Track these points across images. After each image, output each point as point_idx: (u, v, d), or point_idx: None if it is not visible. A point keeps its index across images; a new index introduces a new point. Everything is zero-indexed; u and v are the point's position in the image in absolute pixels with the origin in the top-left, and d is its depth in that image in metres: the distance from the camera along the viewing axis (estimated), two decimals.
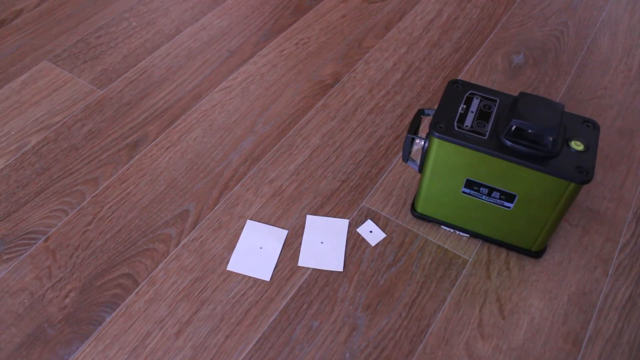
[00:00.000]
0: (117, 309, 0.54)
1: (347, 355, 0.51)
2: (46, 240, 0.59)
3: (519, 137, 0.49)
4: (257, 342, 0.52)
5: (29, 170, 0.65)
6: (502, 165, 0.50)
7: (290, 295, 0.55)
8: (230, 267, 0.57)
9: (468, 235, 0.60)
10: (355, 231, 0.60)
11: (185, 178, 0.65)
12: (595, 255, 0.59)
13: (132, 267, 0.57)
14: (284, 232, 0.60)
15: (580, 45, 0.83)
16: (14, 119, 0.70)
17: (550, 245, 0.60)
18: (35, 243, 0.59)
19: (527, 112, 0.48)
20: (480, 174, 0.52)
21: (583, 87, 0.77)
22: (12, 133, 0.69)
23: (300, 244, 0.59)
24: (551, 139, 0.48)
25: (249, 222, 0.61)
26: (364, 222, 0.61)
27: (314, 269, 0.57)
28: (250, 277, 0.56)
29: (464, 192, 0.55)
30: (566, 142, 0.50)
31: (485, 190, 0.53)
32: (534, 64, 0.80)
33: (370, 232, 0.60)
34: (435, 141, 0.51)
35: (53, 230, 0.60)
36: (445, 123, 0.51)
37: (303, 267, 0.57)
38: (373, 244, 0.59)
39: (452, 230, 0.60)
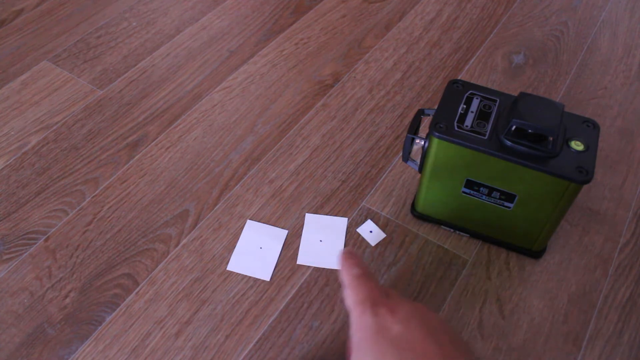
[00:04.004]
0: (117, 309, 0.54)
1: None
2: (46, 240, 0.59)
3: (519, 137, 0.49)
4: (257, 342, 0.52)
5: (29, 170, 0.65)
6: (502, 165, 0.50)
7: (290, 295, 0.55)
8: (230, 267, 0.57)
9: (468, 235, 0.60)
10: (356, 231, 0.60)
11: (185, 178, 0.65)
12: (595, 255, 0.59)
13: (132, 267, 0.57)
14: (284, 232, 0.60)
15: (580, 45, 0.83)
16: (14, 119, 0.71)
17: (550, 245, 0.60)
18: (35, 243, 0.59)
19: (527, 112, 0.48)
20: (480, 174, 0.52)
21: (583, 87, 0.77)
22: (12, 133, 0.69)
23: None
24: (551, 139, 0.48)
25: (249, 222, 0.61)
26: (364, 222, 0.61)
27: (314, 269, 0.57)
28: (250, 277, 0.56)
29: (464, 192, 0.55)
30: (566, 142, 0.50)
31: (485, 190, 0.53)
32: (534, 64, 0.80)
33: (370, 232, 0.60)
34: (435, 141, 0.51)
35: (53, 230, 0.60)
36: (445, 123, 0.51)
37: (303, 267, 0.57)
38: (373, 244, 0.59)
39: (452, 230, 0.60)
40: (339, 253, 0.47)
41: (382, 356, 0.39)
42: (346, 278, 0.45)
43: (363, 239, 0.59)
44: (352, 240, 0.59)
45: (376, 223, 0.61)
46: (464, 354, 0.39)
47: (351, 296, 0.43)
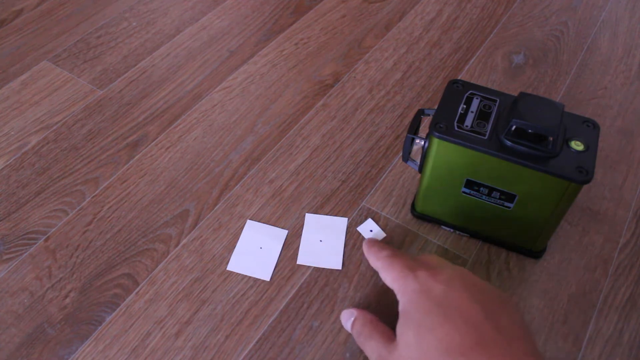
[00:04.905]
0: (117, 309, 0.54)
1: (348, 355, 0.51)
2: (46, 240, 0.59)
3: (519, 137, 0.49)
4: (257, 342, 0.52)
5: (29, 170, 0.65)
6: (502, 165, 0.50)
7: (290, 295, 0.55)
8: (230, 267, 0.57)
9: (468, 235, 0.60)
10: (356, 231, 0.60)
11: (185, 178, 0.65)
12: (595, 255, 0.59)
13: (132, 267, 0.57)
14: (284, 232, 0.60)
15: (580, 45, 0.83)
16: (14, 119, 0.71)
17: (550, 245, 0.60)
18: (35, 243, 0.59)
19: (527, 112, 0.48)
20: (480, 174, 0.52)
21: (583, 87, 0.77)
22: (12, 133, 0.69)
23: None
24: (551, 139, 0.48)
25: (249, 222, 0.61)
26: (364, 221, 0.61)
27: (314, 269, 0.57)
28: (250, 277, 0.56)
29: (464, 192, 0.55)
30: (566, 142, 0.50)
31: (485, 190, 0.53)
32: (534, 64, 0.80)
33: (371, 231, 0.60)
34: (435, 141, 0.51)
35: (53, 230, 0.60)
36: (445, 123, 0.51)
37: (303, 267, 0.57)
38: None
39: (452, 230, 0.60)
40: (363, 244, 0.51)
41: (427, 315, 0.41)
42: (377, 263, 0.48)
43: (363, 238, 0.59)
44: (352, 240, 0.59)
45: (376, 223, 0.61)
46: (506, 311, 0.41)
47: (389, 274, 0.46)
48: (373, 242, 0.51)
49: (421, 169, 0.56)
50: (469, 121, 0.51)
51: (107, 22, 0.84)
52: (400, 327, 0.42)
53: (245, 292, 0.55)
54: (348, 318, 0.50)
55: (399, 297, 0.44)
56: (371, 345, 0.45)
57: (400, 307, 0.43)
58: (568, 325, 0.54)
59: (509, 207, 0.54)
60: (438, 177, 0.55)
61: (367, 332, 0.46)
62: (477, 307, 0.40)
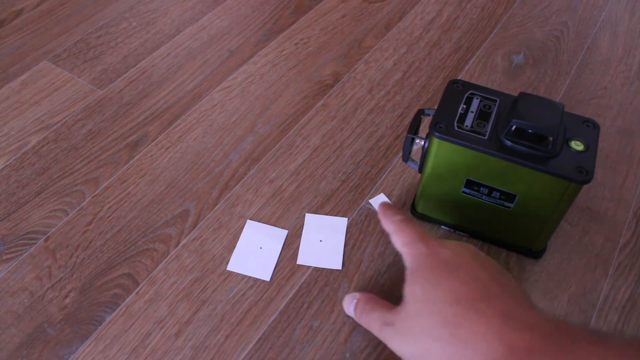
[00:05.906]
0: (117, 309, 0.54)
1: (347, 355, 0.51)
2: (46, 240, 0.59)
3: (519, 137, 0.49)
4: (257, 342, 0.52)
5: (29, 170, 0.65)
6: (502, 165, 0.50)
7: (290, 295, 0.55)
8: (230, 267, 0.57)
9: (468, 235, 0.60)
10: (356, 231, 0.60)
11: (185, 178, 0.65)
12: (595, 255, 0.59)
13: (132, 267, 0.57)
14: (284, 232, 0.60)
15: (580, 45, 0.83)
16: (14, 119, 0.71)
17: (550, 245, 0.60)
18: (35, 243, 0.59)
19: (527, 112, 0.48)
20: (480, 174, 0.52)
21: (583, 87, 0.77)
22: (12, 133, 0.69)
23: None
24: (551, 139, 0.48)
25: (249, 222, 0.61)
26: (365, 219, 0.61)
27: (314, 269, 0.57)
28: (250, 277, 0.56)
29: (464, 192, 0.55)
30: (566, 142, 0.50)
31: (485, 190, 0.53)
32: (534, 64, 0.80)
33: None
34: (435, 141, 0.51)
35: (53, 230, 0.60)
36: (445, 123, 0.51)
37: (303, 267, 0.57)
38: None
39: (452, 230, 0.60)
40: (378, 207, 0.52)
41: (434, 272, 0.43)
42: (390, 226, 0.49)
43: (363, 238, 0.59)
44: (352, 240, 0.59)
45: (376, 223, 0.61)
46: (507, 278, 0.43)
47: (400, 238, 0.47)
48: (388, 205, 0.52)
49: (421, 169, 0.56)
50: (469, 121, 0.51)
51: (107, 22, 0.84)
52: (407, 287, 0.44)
53: (245, 292, 0.55)
54: (351, 301, 0.51)
55: (407, 261, 0.46)
56: (374, 317, 0.46)
57: (408, 270, 0.45)
58: None
59: (509, 207, 0.54)
60: (438, 177, 0.55)
61: (370, 307, 0.48)
62: (482, 269, 0.42)
